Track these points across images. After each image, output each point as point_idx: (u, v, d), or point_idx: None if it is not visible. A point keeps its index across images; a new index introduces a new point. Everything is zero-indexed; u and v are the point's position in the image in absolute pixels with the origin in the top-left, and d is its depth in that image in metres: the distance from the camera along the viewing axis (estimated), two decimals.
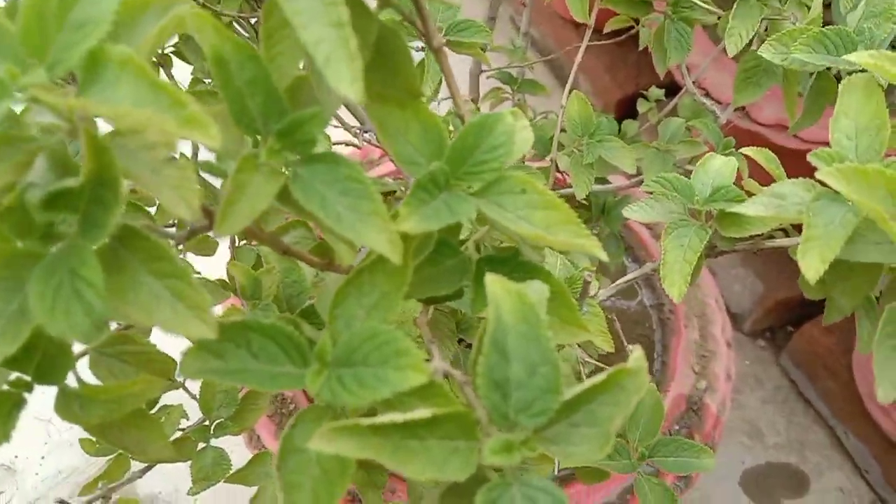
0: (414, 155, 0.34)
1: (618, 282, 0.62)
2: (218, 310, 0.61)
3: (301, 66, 0.29)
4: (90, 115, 0.24)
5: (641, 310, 1.25)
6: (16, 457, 1.41)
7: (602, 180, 1.02)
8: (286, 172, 0.29)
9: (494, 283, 0.29)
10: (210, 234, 0.29)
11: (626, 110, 1.81)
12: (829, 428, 1.50)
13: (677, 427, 1.09)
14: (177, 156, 0.25)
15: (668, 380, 1.14)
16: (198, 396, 0.56)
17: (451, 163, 0.34)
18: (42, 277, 0.25)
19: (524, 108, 1.05)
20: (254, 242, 0.65)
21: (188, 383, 0.61)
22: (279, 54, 0.28)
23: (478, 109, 1.05)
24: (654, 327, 1.24)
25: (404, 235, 0.31)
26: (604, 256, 0.35)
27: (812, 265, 0.35)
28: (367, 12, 0.28)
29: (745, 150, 0.49)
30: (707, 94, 1.27)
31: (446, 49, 0.71)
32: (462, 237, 0.41)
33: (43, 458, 1.42)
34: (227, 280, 0.57)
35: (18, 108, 0.24)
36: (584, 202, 1.06)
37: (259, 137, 0.29)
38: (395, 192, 1.04)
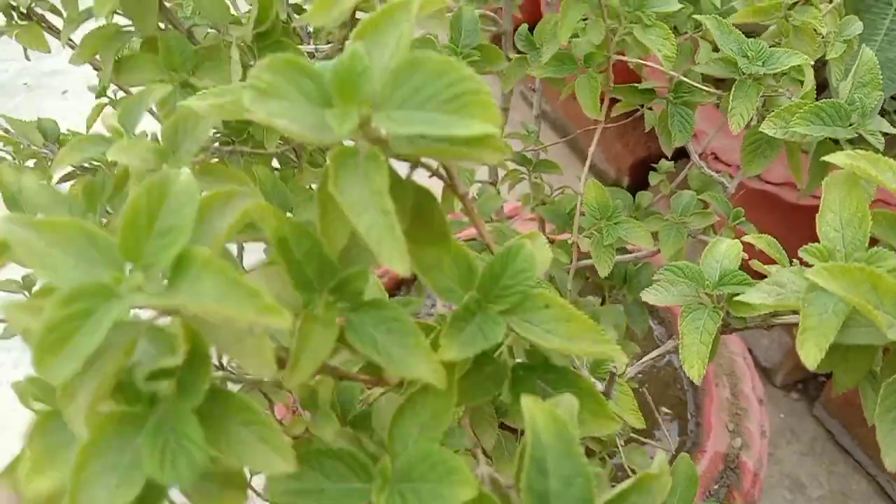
0: (448, 284, 0.39)
1: (643, 359, 0.66)
2: (279, 410, 0.66)
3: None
4: (180, 311, 0.29)
5: (671, 371, 1.28)
6: None
7: (622, 250, 1.06)
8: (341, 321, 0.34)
9: (530, 404, 0.33)
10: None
11: (638, 174, 1.86)
12: (871, 476, 1.49)
13: (716, 486, 1.10)
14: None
15: (704, 440, 1.16)
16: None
17: (482, 289, 0.39)
18: (150, 437, 0.30)
19: (540, 186, 1.10)
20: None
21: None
22: (332, 223, 0.33)
23: (498, 192, 1.11)
24: (685, 388, 1.27)
25: (447, 361, 0.35)
26: (623, 359, 0.40)
27: (810, 354, 0.39)
28: (403, 185, 0.33)
29: (747, 239, 0.53)
30: (717, 158, 1.32)
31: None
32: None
33: None
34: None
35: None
36: None
37: (316, 294, 0.34)
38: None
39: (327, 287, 0.33)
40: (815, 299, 0.42)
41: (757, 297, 0.47)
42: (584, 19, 0.79)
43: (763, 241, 0.54)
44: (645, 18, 0.74)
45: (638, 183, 1.48)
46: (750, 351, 1.54)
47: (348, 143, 0.31)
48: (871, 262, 0.43)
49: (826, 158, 0.46)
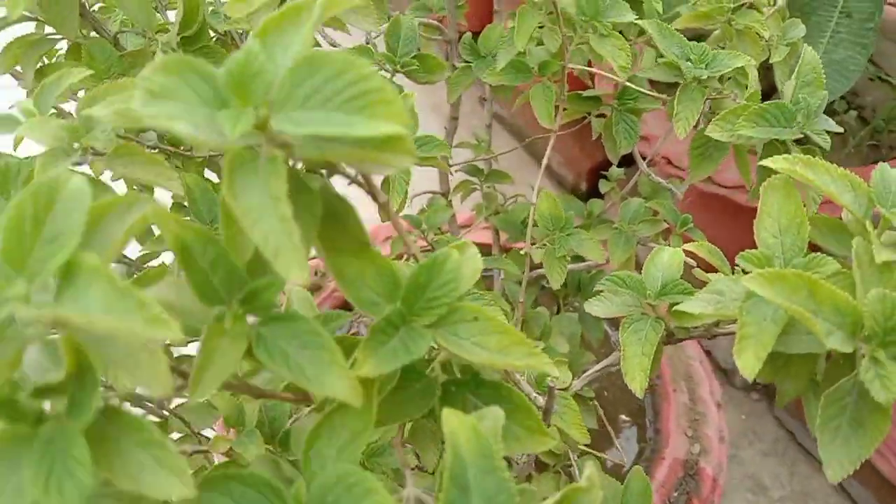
0: (372, 297, 0.37)
1: (588, 372, 0.64)
2: (208, 432, 0.63)
3: None
4: (66, 322, 0.27)
5: None
6: None
7: (577, 258, 1.05)
8: (250, 335, 0.32)
9: (450, 417, 0.32)
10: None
11: (596, 178, 1.86)
12: None
13: (676, 494, 1.10)
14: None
15: (663, 447, 1.15)
16: None
17: (406, 302, 0.37)
18: (35, 460, 0.28)
19: (493, 196, 1.09)
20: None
21: None
22: (237, 233, 0.31)
23: (449, 203, 1.09)
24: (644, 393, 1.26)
25: (365, 378, 0.34)
26: (555, 373, 0.38)
27: (748, 363, 0.38)
28: (311, 191, 0.31)
29: (688, 247, 0.52)
30: (669, 163, 1.32)
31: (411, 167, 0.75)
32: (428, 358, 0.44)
33: None
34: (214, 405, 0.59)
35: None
36: None
37: (223, 306, 0.32)
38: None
39: (236, 298, 0.31)
40: (752, 307, 0.41)
41: (696, 306, 0.46)
42: (540, 27, 0.78)
43: (704, 249, 0.53)
44: (601, 28, 0.73)
45: (596, 188, 1.47)
46: (709, 353, 1.54)
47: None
48: (810, 268, 0.42)
49: (763, 163, 0.45)
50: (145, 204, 0.29)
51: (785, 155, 0.44)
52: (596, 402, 0.87)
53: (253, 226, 0.27)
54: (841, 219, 0.45)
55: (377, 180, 0.44)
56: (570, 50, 0.78)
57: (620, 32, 0.87)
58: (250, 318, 0.32)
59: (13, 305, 0.26)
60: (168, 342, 0.34)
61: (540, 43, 0.81)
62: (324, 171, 0.34)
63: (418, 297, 0.37)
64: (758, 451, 1.57)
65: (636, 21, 0.81)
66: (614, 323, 1.37)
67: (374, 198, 0.36)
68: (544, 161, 0.82)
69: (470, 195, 1.10)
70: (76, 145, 0.43)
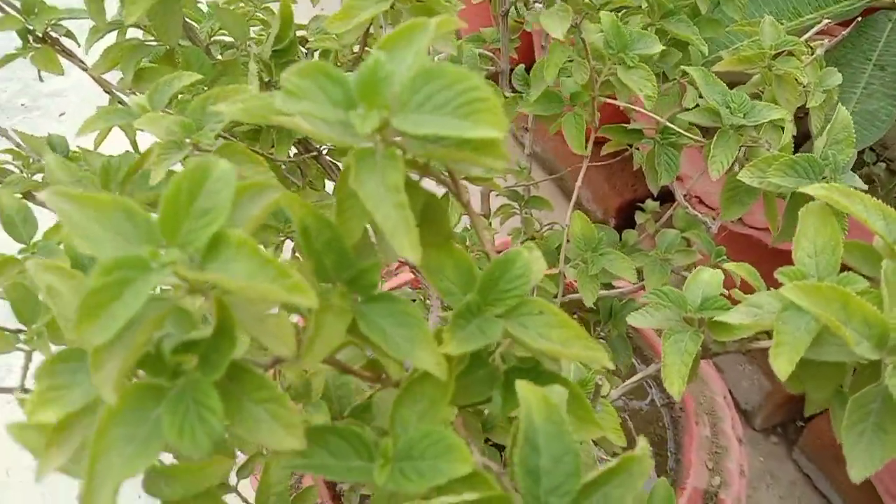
0: (450, 287, 0.42)
1: (627, 381, 0.69)
2: None
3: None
4: (215, 285, 0.32)
5: (653, 409, 1.31)
6: None
7: (608, 286, 1.10)
8: (353, 311, 0.37)
9: (524, 388, 0.36)
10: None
11: (624, 215, 1.91)
12: None
13: None
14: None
15: (684, 477, 1.18)
16: (252, 501, 0.62)
17: (481, 292, 0.42)
18: (171, 407, 0.32)
19: (531, 221, 1.14)
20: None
21: (241, 488, 0.67)
22: (349, 219, 0.36)
23: (490, 224, 1.14)
24: (666, 426, 1.29)
25: (447, 355, 0.38)
26: (610, 365, 0.43)
27: (782, 366, 0.42)
28: (416, 186, 0.36)
29: (728, 266, 0.57)
30: (701, 202, 1.36)
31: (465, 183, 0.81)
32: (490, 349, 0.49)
33: None
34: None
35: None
36: (592, 307, 1.14)
37: (332, 284, 0.37)
38: (415, 300, 1.12)
39: (343, 278, 0.36)
40: (788, 318, 0.45)
41: (735, 317, 0.50)
42: (571, 61, 0.84)
43: (743, 270, 0.57)
44: (628, 60, 0.78)
45: (624, 224, 1.53)
46: (730, 393, 1.56)
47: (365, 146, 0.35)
48: (842, 285, 0.46)
49: (803, 189, 0.49)
50: (277, 189, 0.34)
51: (822, 183, 0.48)
52: (627, 418, 0.90)
53: (375, 209, 0.32)
54: (871, 245, 0.49)
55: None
56: (598, 81, 0.83)
57: (664, 74, 0.93)
58: (354, 297, 0.37)
59: (169, 269, 0.31)
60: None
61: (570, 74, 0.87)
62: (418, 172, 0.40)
63: (492, 289, 0.42)
64: (774, 494, 1.58)
65: (682, 66, 0.87)
66: (641, 356, 1.40)
67: (458, 197, 0.41)
68: (578, 182, 0.87)
69: (509, 219, 1.15)
70: (187, 140, 0.49)
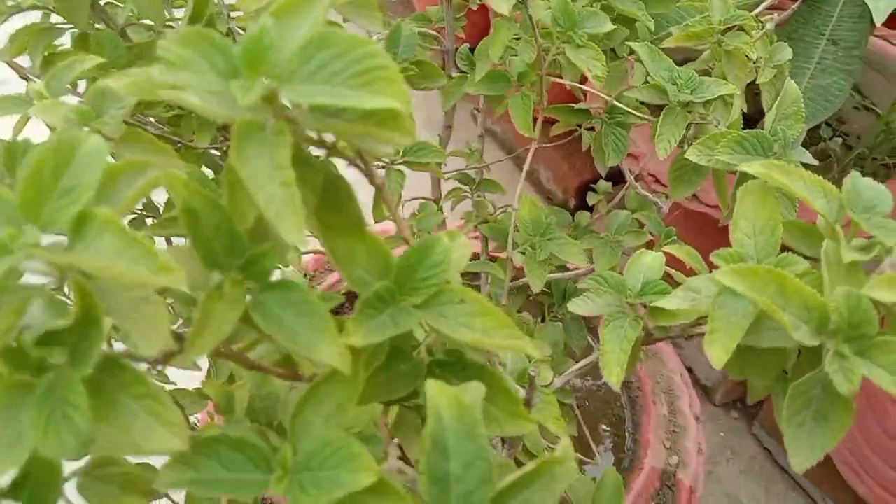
0: (363, 275, 0.39)
1: (571, 368, 0.66)
2: (199, 417, 0.64)
3: None
4: (77, 267, 0.28)
5: (611, 389, 1.29)
6: None
7: (562, 268, 1.07)
8: (248, 300, 0.33)
9: (433, 387, 0.33)
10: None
11: (584, 195, 1.89)
12: (807, 494, 1.52)
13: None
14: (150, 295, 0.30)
15: (641, 457, 1.17)
16: None
17: (398, 280, 0.38)
18: (36, 405, 0.29)
19: (483, 204, 1.11)
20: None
21: (173, 495, 0.64)
22: (241, 201, 0.33)
23: (440, 209, 1.11)
24: (624, 405, 1.28)
25: (354, 348, 0.35)
26: (537, 355, 0.40)
27: (716, 354, 0.40)
28: (313, 164, 0.33)
29: (668, 248, 0.54)
30: (657, 180, 1.35)
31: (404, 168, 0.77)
32: (416, 343, 0.46)
33: None
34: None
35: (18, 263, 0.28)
36: (546, 289, 1.12)
37: (223, 271, 0.33)
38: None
39: (235, 264, 0.33)
40: (724, 302, 0.43)
41: (673, 302, 0.48)
42: (518, 38, 0.80)
43: (683, 252, 0.55)
44: (577, 38, 0.75)
45: (584, 204, 1.50)
46: (690, 370, 1.56)
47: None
48: (781, 267, 0.44)
49: (741, 167, 0.47)
50: (158, 168, 0.31)
51: (762, 161, 0.46)
52: (576, 407, 0.88)
53: (258, 190, 0.28)
54: (813, 224, 0.47)
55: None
56: (546, 60, 0.80)
57: (613, 51, 0.90)
58: (249, 285, 0.34)
59: (26, 252, 0.27)
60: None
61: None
62: (324, 152, 0.36)
63: (408, 277, 0.39)
64: (735, 468, 1.59)
65: (627, 42, 0.84)
66: (596, 336, 1.39)
67: (371, 180, 0.38)
68: (526, 166, 0.84)
69: (460, 203, 1.12)
70: (86, 129, 0.45)
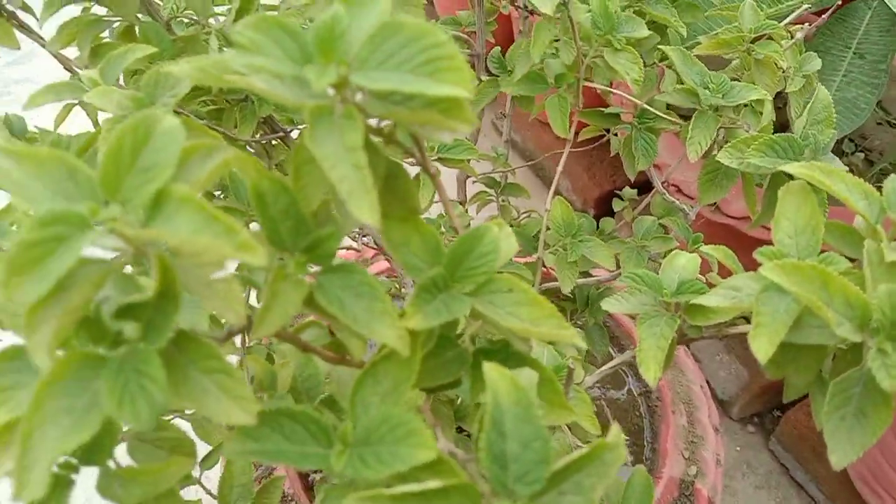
0: (416, 262, 0.40)
1: (601, 368, 0.67)
2: None
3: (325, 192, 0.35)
4: (157, 243, 0.29)
5: (630, 398, 1.30)
6: None
7: (585, 274, 1.08)
8: (310, 281, 0.34)
9: (491, 370, 0.34)
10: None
11: (603, 206, 1.90)
12: None
13: None
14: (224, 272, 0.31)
15: (660, 466, 1.17)
16: (214, 492, 0.60)
17: (448, 268, 0.39)
18: (111, 375, 0.30)
19: (508, 209, 1.12)
20: (264, 341, 0.71)
21: (204, 480, 0.65)
22: (306, 185, 0.34)
23: (465, 211, 1.12)
24: (643, 415, 1.28)
25: (411, 331, 0.36)
26: (583, 345, 0.41)
27: (762, 348, 0.41)
28: (378, 151, 0.34)
29: (705, 249, 0.55)
30: (679, 191, 1.35)
31: (438, 165, 0.78)
32: (459, 331, 0.47)
33: None
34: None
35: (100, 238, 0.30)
36: (569, 295, 1.12)
37: (288, 253, 0.34)
38: (390, 289, 1.10)
39: (300, 246, 0.34)
40: (767, 299, 0.43)
41: (713, 300, 0.48)
42: (557, 41, 0.82)
43: (720, 252, 0.56)
44: (615, 42, 0.76)
45: (603, 215, 1.51)
46: (707, 383, 1.56)
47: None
48: (824, 265, 0.44)
49: (783, 168, 0.48)
50: (229, 149, 0.32)
51: (803, 161, 0.46)
52: (604, 405, 0.89)
53: (331, 170, 0.29)
54: (852, 226, 0.48)
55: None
56: (584, 63, 0.81)
57: (641, 57, 0.91)
58: (312, 267, 0.35)
59: (108, 225, 0.28)
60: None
61: (557, 55, 0.85)
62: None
63: (459, 265, 0.39)
64: (751, 483, 1.58)
65: (660, 46, 0.85)
66: (618, 346, 1.39)
67: (425, 169, 0.39)
68: (559, 167, 0.85)
69: (485, 206, 1.13)
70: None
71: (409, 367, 0.37)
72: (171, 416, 0.65)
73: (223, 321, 0.36)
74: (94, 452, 0.37)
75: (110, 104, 0.48)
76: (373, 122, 0.37)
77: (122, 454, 0.42)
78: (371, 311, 0.34)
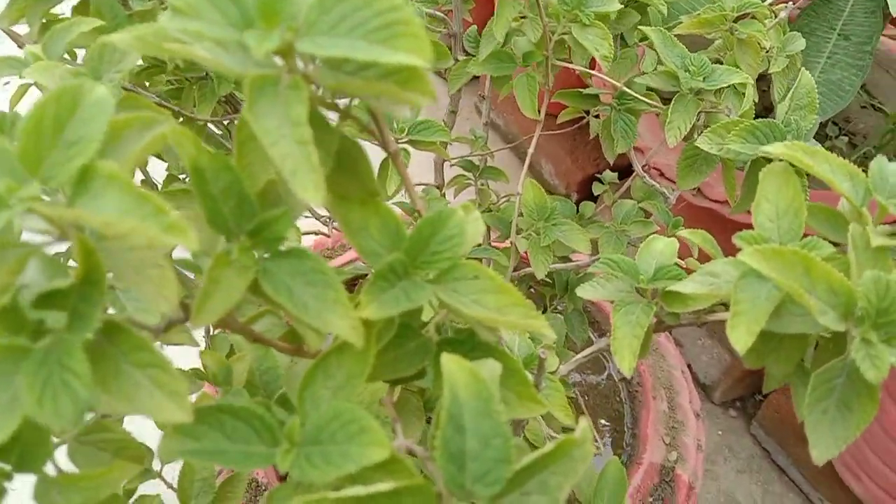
0: (375, 247, 0.37)
1: (577, 356, 0.65)
2: (192, 399, 0.63)
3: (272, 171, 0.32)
4: (81, 224, 0.27)
5: (611, 384, 1.28)
6: None
7: (564, 259, 1.06)
8: (256, 268, 0.32)
9: (450, 361, 0.32)
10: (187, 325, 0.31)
11: (587, 190, 1.87)
12: (804, 495, 1.52)
13: (651, 499, 1.10)
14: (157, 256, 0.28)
15: (640, 452, 1.16)
16: (175, 486, 0.57)
17: (409, 253, 0.37)
18: (32, 370, 0.28)
19: (487, 193, 1.10)
20: (228, 330, 0.68)
21: (165, 473, 0.62)
22: (251, 163, 0.31)
23: (443, 195, 1.10)
24: (623, 400, 1.27)
25: (366, 321, 0.34)
26: (553, 335, 0.39)
27: (740, 338, 0.39)
28: (328, 127, 0.31)
29: (682, 233, 0.53)
30: (661, 174, 1.33)
31: (409, 148, 0.76)
32: (425, 320, 0.44)
33: None
34: (202, 369, 0.59)
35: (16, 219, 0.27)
36: (547, 280, 1.10)
37: (231, 237, 0.32)
38: (366, 275, 1.08)
39: (245, 229, 0.31)
40: (747, 285, 0.41)
41: (690, 286, 0.46)
42: (524, 17, 0.79)
43: (698, 237, 0.54)
44: (583, 18, 0.74)
45: (586, 198, 1.49)
46: (689, 367, 1.55)
47: None
48: (806, 250, 0.42)
49: (765, 148, 0.46)
50: (165, 123, 0.29)
51: (785, 142, 0.44)
52: (577, 394, 0.87)
53: (272, 146, 0.27)
54: (836, 209, 0.46)
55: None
56: (552, 40, 0.78)
57: (622, 37, 0.88)
58: (258, 252, 0.32)
59: (29, 205, 0.26)
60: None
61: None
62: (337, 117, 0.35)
63: (421, 250, 0.37)
64: (732, 467, 1.58)
65: (640, 26, 0.82)
66: (599, 331, 1.38)
67: (385, 146, 0.36)
68: (531, 149, 0.83)
69: (464, 190, 1.11)
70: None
71: (364, 359, 0.34)
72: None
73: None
74: (29, 457, 0.34)
75: (52, 79, 0.45)
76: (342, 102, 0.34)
77: (63, 458, 0.39)
78: (322, 300, 0.32)
